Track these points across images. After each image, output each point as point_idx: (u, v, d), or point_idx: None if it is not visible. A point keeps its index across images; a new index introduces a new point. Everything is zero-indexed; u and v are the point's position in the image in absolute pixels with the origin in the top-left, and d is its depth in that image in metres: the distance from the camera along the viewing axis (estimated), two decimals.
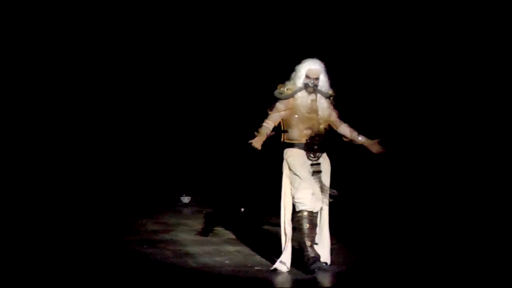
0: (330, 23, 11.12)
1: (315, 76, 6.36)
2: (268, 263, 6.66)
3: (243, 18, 11.67)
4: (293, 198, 6.28)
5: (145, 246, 7.36)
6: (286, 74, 6.49)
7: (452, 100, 10.34)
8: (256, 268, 6.46)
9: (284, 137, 6.44)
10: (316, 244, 6.24)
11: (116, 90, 11.93)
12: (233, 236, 8.09)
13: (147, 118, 12.23)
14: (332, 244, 6.51)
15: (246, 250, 7.30)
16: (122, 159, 11.95)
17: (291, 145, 6.38)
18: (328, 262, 6.45)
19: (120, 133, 12.00)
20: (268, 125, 6.33)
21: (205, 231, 8.38)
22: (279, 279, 6.09)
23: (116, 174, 11.74)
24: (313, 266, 6.12)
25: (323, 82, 6.41)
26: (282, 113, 6.38)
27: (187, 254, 7.06)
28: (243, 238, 7.96)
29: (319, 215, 6.38)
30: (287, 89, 6.37)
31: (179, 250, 7.26)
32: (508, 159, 9.55)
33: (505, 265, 6.48)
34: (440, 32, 10.36)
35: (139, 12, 11.61)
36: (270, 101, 6.43)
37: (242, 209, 10.07)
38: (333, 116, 6.50)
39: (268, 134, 6.30)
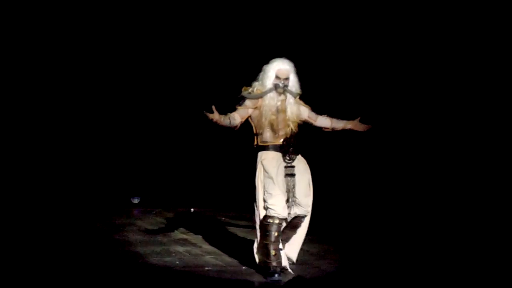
0: (311, 21, 11.12)
1: (285, 76, 6.26)
2: (218, 262, 6.64)
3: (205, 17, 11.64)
4: (265, 202, 6.19)
5: (93, 247, 7.26)
6: (250, 74, 6.42)
7: (450, 99, 10.37)
8: (206, 268, 6.43)
9: (257, 140, 6.32)
10: (281, 249, 6.19)
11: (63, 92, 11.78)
12: (183, 236, 8.04)
13: (96, 120, 12.09)
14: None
15: (196, 250, 7.26)
16: (73, 161, 11.80)
17: (265, 148, 6.26)
18: (294, 260, 6.41)
19: (69, 135, 11.85)
20: (234, 116, 6.17)
21: (155, 232, 8.31)
22: (230, 279, 6.06)
23: (66, 175, 11.58)
24: (272, 278, 6.03)
25: (293, 82, 6.32)
26: (250, 110, 6.25)
27: (136, 254, 6.98)
28: (193, 238, 7.92)
29: (305, 220, 6.32)
30: (256, 90, 6.26)
31: (128, 250, 7.18)
32: (508, 159, 9.60)
33: (505, 265, 6.54)
34: (437, 30, 10.39)
35: (130, 13, 11.52)
36: (231, 101, 6.31)
37: (192, 209, 10.02)
38: (305, 114, 6.41)
39: (226, 122, 6.10)
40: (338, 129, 6.52)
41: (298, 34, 11.02)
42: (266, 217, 6.15)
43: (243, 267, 6.47)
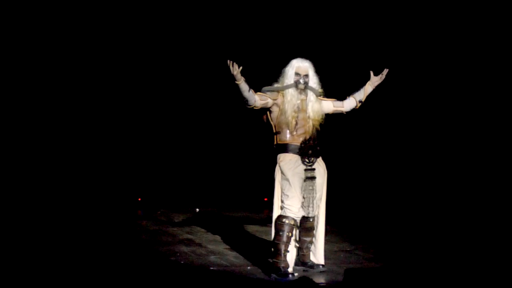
0: (324, 24, 11.10)
1: (305, 73, 6.25)
2: (223, 263, 6.62)
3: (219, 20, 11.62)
4: (282, 202, 6.20)
5: (97, 248, 7.24)
6: (261, 78, 6.41)
7: (450, 100, 10.36)
8: (211, 268, 6.41)
9: (276, 139, 6.29)
10: (288, 251, 6.17)
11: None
12: (188, 237, 8.02)
13: (98, 120, 12.07)
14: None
15: (201, 250, 7.24)
16: (77, 162, 11.78)
17: (284, 148, 6.22)
18: (323, 263, 6.44)
19: (68, 136, 11.83)
20: (254, 94, 6.08)
21: (159, 232, 8.30)
22: (235, 279, 6.04)
23: (72, 177, 11.57)
24: (281, 278, 6.02)
25: (313, 80, 6.32)
26: (270, 101, 6.18)
27: (140, 254, 6.97)
28: (197, 238, 7.91)
29: (315, 219, 6.34)
30: (276, 86, 6.27)
31: (133, 251, 7.16)
32: (508, 159, 9.57)
33: (505, 265, 6.52)
34: (437, 31, 10.38)
35: (130, 13, 11.52)
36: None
37: (197, 209, 10.01)
38: (330, 107, 6.39)
39: (245, 88, 5.98)
40: (364, 99, 6.48)
41: (307, 35, 11.00)
42: (281, 217, 6.16)
43: (248, 267, 6.46)
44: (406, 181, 10.59)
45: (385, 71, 6.45)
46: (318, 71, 6.38)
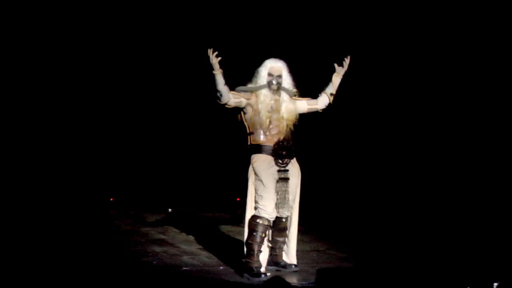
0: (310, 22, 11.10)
1: (278, 73, 6.25)
2: (195, 263, 6.61)
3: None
4: (256, 202, 6.18)
5: (67, 248, 7.19)
6: (241, 77, 6.39)
7: (449, 100, 10.37)
8: (184, 268, 6.39)
9: (250, 140, 6.26)
10: (261, 252, 6.17)
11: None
12: (160, 237, 7.99)
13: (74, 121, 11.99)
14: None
15: (173, 250, 7.22)
16: (45, 163, 11.68)
17: (258, 148, 6.19)
18: (296, 263, 6.44)
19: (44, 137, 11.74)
20: (228, 91, 6.08)
21: (131, 232, 8.26)
22: (208, 279, 6.03)
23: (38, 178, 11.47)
24: (253, 278, 6.02)
25: (286, 80, 6.31)
26: (244, 101, 6.17)
27: (112, 254, 6.93)
28: (170, 238, 7.88)
29: (288, 220, 6.34)
30: (249, 86, 6.24)
31: (104, 251, 7.12)
32: (508, 159, 9.61)
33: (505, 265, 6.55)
34: (437, 30, 10.39)
35: (120, 11, 11.45)
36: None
37: (170, 210, 9.97)
38: (304, 106, 6.41)
39: (221, 80, 5.99)
40: (335, 91, 6.51)
41: (292, 35, 10.99)
42: (255, 217, 6.14)
43: (221, 267, 6.45)
44: (381, 180, 10.62)
45: (348, 59, 6.48)
46: (293, 71, 6.38)
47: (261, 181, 6.13)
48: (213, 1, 11.50)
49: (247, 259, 6.11)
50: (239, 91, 6.21)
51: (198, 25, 11.59)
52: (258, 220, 6.11)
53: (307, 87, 6.56)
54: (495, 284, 5.33)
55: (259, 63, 6.36)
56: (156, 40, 11.76)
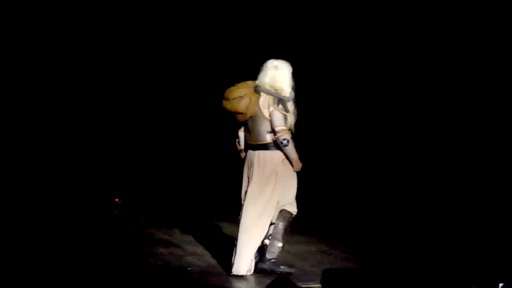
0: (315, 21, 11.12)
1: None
2: (201, 264, 6.62)
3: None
4: (294, 200, 6.31)
5: (73, 249, 7.19)
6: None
7: (450, 99, 10.37)
8: (189, 269, 6.40)
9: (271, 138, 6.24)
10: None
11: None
12: (166, 237, 7.99)
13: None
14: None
15: (178, 251, 7.23)
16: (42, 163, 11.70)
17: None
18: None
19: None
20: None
21: (137, 232, 8.27)
22: (213, 280, 6.04)
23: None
24: (280, 269, 6.20)
25: None
26: None
27: (117, 255, 6.94)
28: (175, 239, 7.89)
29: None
30: (289, 92, 6.22)
31: (109, 251, 7.13)
32: (508, 159, 9.60)
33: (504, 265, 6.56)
34: (437, 30, 10.40)
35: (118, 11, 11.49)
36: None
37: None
38: None
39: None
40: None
41: (296, 34, 11.01)
42: (289, 212, 6.29)
43: (226, 268, 6.45)
44: (385, 180, 10.62)
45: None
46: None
47: (291, 178, 6.21)
48: (213, 1, 11.53)
49: (271, 253, 6.22)
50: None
51: (198, 25, 11.62)
52: (290, 216, 6.30)
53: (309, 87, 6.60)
54: (501, 285, 5.34)
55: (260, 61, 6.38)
56: (163, 40, 11.79)
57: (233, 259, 6.21)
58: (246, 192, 6.23)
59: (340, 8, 11.02)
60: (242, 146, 6.42)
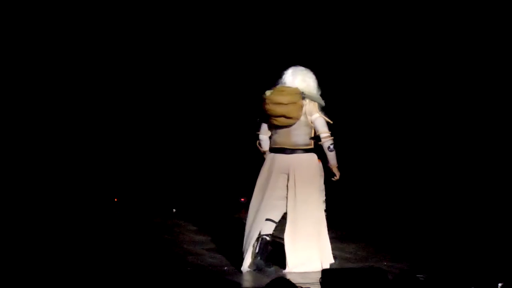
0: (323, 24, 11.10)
1: None
2: (200, 263, 6.62)
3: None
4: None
5: (79, 248, 7.18)
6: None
7: (450, 99, 10.36)
8: (188, 268, 6.41)
9: (312, 144, 6.51)
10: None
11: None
12: (164, 237, 8.00)
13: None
14: None
15: (178, 251, 7.23)
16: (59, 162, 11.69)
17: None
18: None
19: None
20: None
21: (136, 232, 8.27)
22: (212, 280, 6.04)
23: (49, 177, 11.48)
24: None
25: None
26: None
27: (116, 255, 6.93)
28: (174, 239, 7.89)
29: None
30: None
31: (109, 251, 7.13)
32: (508, 159, 9.59)
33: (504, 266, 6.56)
34: (437, 30, 10.39)
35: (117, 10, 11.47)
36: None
37: (174, 210, 9.98)
38: None
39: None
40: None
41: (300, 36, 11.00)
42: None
43: (225, 268, 6.46)
44: (385, 179, 10.61)
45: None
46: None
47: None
48: (213, 2, 11.52)
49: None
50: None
51: (198, 25, 11.61)
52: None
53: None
54: (500, 285, 5.34)
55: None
56: (163, 40, 11.77)
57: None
58: (286, 194, 6.37)
59: (340, 8, 11.02)
60: (266, 148, 6.55)
